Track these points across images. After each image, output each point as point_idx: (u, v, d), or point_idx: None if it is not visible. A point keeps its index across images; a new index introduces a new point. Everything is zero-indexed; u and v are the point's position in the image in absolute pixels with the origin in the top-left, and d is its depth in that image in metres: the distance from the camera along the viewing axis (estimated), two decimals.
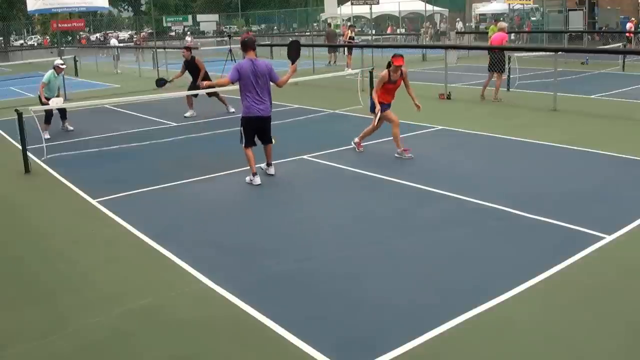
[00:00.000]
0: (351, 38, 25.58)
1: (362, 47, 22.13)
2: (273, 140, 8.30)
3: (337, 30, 32.15)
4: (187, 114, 13.75)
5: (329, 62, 25.59)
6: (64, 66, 12.50)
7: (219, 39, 43.72)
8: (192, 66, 13.61)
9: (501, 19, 26.06)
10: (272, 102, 8.19)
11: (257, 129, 8.09)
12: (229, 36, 27.38)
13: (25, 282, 5.40)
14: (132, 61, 30.01)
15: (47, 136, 11.36)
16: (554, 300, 4.61)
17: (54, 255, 6.01)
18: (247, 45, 7.99)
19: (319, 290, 4.94)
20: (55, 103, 11.64)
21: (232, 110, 13.69)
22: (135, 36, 46.58)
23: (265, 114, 8.03)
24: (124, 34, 59.05)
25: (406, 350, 3.96)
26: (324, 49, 27.75)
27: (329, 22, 40.99)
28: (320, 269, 5.39)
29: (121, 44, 29.86)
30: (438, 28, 42.93)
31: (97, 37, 58.58)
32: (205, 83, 9.58)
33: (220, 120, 13.14)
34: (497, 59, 14.55)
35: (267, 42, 33.75)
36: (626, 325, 4.22)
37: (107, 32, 59.78)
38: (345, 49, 24.60)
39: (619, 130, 11.01)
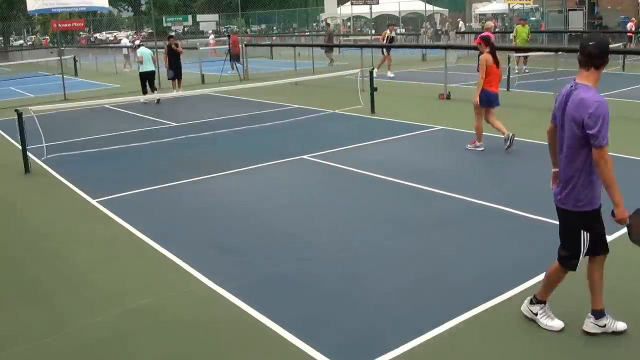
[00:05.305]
0: (391, 39, 22.85)
1: (361, 47, 22.11)
2: None
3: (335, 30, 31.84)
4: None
5: (331, 62, 25.38)
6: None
7: (218, 38, 43.69)
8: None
9: (485, 20, 25.63)
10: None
11: None
12: (228, 36, 27.31)
13: (24, 282, 5.40)
14: (132, 61, 29.96)
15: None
16: (554, 299, 4.60)
17: (54, 255, 6.01)
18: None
19: (319, 290, 4.94)
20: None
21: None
22: (133, 36, 46.56)
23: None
24: (123, 34, 59.02)
25: (406, 350, 3.96)
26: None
27: (328, 22, 40.92)
28: (319, 269, 5.39)
29: (129, 44, 30.13)
30: (438, 28, 42.90)
31: (90, 37, 58.54)
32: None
33: (220, 120, 13.14)
34: None
35: (268, 42, 33.70)
36: (625, 324, 4.21)
37: (103, 32, 59.71)
38: (384, 49, 23.13)
39: (619, 130, 10.96)
